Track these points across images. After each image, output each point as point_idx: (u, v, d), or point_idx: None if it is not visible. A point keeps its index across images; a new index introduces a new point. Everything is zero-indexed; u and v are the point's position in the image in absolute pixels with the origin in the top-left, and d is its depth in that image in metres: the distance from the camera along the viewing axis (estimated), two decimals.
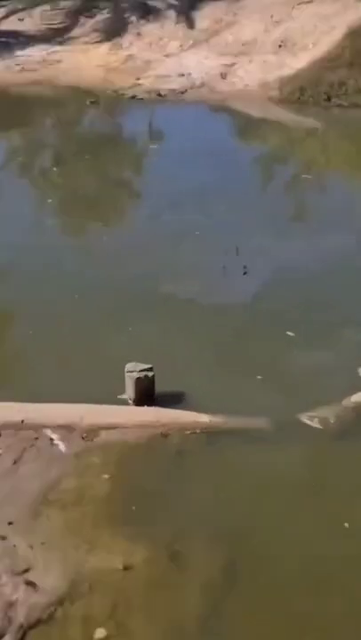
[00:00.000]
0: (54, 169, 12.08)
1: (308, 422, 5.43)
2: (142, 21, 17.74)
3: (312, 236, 8.85)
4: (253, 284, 7.58)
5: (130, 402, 5.64)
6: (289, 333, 6.63)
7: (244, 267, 7.84)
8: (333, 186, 11.31)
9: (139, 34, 17.45)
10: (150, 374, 5.58)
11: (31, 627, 3.91)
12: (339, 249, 8.36)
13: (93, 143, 13.80)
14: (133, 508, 4.67)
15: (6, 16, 18.68)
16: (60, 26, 18.25)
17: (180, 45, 16.90)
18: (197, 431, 5.33)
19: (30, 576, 4.15)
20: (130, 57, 16.88)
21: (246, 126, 14.96)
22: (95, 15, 18.35)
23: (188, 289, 7.40)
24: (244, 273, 7.74)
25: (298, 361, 6.22)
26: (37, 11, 18.62)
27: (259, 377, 5.99)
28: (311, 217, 9.77)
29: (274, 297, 7.37)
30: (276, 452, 5.16)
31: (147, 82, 15.97)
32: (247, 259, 8.09)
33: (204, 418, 5.43)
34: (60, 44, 17.69)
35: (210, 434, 5.32)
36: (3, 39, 17.90)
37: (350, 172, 11.94)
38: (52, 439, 5.21)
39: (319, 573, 4.27)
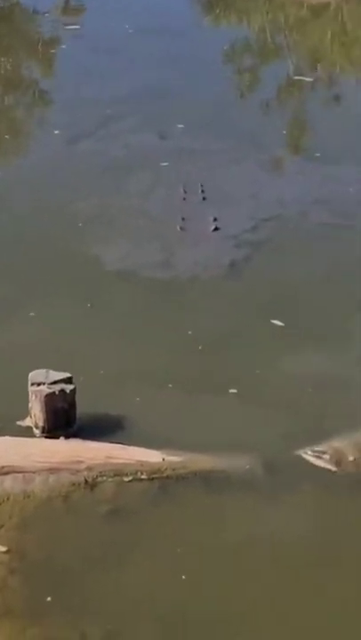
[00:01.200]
0: None
1: (314, 461, 5.43)
2: None
3: (314, 170, 8.99)
4: (226, 245, 7.62)
5: (36, 431, 5.62)
6: (275, 322, 6.64)
7: (214, 219, 7.91)
8: (348, 93, 11.44)
9: None
10: (69, 388, 5.54)
11: None
12: (352, 191, 8.53)
13: None
14: (48, 598, 4.58)
15: None
16: None
17: None
18: (143, 476, 5.31)
19: None
20: None
21: None
22: None
23: (125, 254, 7.46)
24: (214, 229, 7.80)
25: (291, 365, 6.20)
26: None
27: (232, 390, 5.99)
28: (312, 141, 9.88)
29: (256, 267, 7.42)
30: (263, 508, 5.14)
31: None
32: (217, 206, 8.13)
33: (153, 456, 5.40)
34: None
35: (162, 481, 5.30)
36: None
37: None
38: None
39: None
